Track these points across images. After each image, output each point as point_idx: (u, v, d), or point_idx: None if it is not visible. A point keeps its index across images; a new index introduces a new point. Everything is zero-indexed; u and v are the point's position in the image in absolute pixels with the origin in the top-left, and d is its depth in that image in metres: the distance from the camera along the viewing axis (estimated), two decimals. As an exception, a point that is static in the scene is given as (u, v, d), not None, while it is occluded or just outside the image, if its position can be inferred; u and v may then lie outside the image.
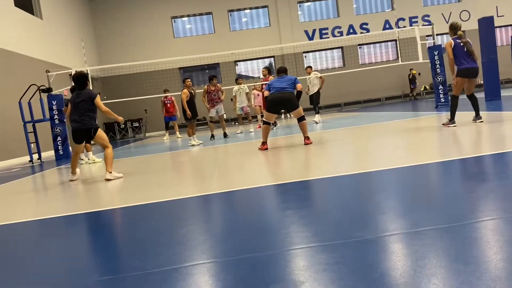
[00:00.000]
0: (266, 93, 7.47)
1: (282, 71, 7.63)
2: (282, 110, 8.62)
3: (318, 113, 12.97)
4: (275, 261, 2.01)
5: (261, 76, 13.18)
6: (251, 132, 12.43)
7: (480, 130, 6.11)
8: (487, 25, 12.55)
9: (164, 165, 7.22)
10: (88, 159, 9.08)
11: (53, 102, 11.56)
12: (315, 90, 12.58)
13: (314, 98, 12.67)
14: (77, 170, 6.35)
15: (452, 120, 6.94)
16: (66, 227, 3.43)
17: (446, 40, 24.69)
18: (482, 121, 6.80)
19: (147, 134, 22.93)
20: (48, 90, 11.70)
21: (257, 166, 5.61)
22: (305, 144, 7.03)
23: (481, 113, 7.06)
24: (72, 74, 12.89)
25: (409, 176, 3.70)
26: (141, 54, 21.92)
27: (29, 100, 11.65)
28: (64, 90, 14.01)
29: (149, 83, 20.44)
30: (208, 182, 4.73)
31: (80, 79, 5.97)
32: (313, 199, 3.36)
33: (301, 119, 7.31)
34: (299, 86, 7.33)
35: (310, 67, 13.15)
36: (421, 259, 1.81)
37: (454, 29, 7.03)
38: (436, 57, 12.56)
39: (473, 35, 21.63)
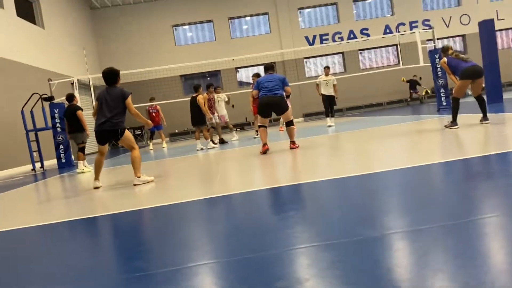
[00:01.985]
0: (255, 92, 7.53)
1: (269, 68, 7.70)
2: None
3: (333, 116, 12.85)
4: (279, 260, 2.00)
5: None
6: (234, 140, 12.33)
7: (482, 131, 6.09)
8: (487, 28, 12.56)
9: (168, 170, 7.20)
10: (77, 168, 9.05)
11: (55, 110, 11.59)
12: (331, 93, 12.53)
13: (331, 103, 12.63)
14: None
15: (454, 122, 6.94)
16: (70, 232, 3.42)
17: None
18: (488, 123, 6.79)
19: (148, 142, 22.97)
20: (50, 98, 11.75)
21: (257, 170, 5.60)
22: (291, 148, 7.12)
23: (488, 114, 7.04)
24: (74, 81, 12.98)
25: (413, 176, 3.68)
26: (142, 62, 22.03)
27: (31, 109, 11.69)
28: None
29: (151, 90, 20.51)
30: (210, 186, 4.72)
31: (110, 74, 5.58)
32: (316, 200, 3.34)
33: (289, 123, 7.40)
34: (288, 89, 7.44)
35: (328, 67, 13.04)
36: (426, 255, 1.79)
37: (446, 51, 7.35)
38: (437, 61, 12.56)
39: (474, 38, 21.69)
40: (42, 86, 13.37)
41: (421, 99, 23.11)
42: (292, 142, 7.26)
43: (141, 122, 5.93)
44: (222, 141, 11.72)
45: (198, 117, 10.63)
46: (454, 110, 7.01)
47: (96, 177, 5.78)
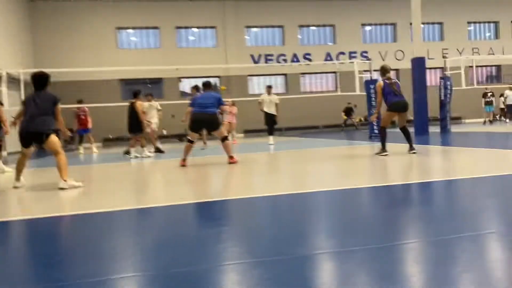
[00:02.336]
0: (189, 109, 7.64)
1: (206, 85, 7.80)
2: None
3: (272, 134, 13.00)
4: (207, 276, 1.95)
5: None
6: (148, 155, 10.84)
7: (408, 160, 6.47)
8: (419, 65, 13.47)
9: (98, 176, 6.89)
10: None
11: (-23, 103, 10.73)
12: (273, 112, 12.57)
13: (272, 121, 12.62)
14: (22, 178, 5.56)
15: (383, 149, 7.31)
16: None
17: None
18: (415, 153, 7.21)
19: (78, 146, 21.89)
20: (-27, 90, 10.88)
21: (192, 182, 5.52)
22: (230, 163, 7.17)
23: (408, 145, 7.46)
24: (2, 74, 12.12)
25: (342, 198, 3.80)
26: (81, 62, 21.09)
27: (-50, 99, 10.73)
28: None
29: (88, 92, 19.60)
30: (141, 196, 4.56)
31: (41, 79, 5.46)
32: (249, 216, 3.34)
33: (223, 139, 7.52)
34: (224, 108, 7.94)
35: (271, 87, 13.07)
36: (353, 276, 1.83)
37: (384, 70, 7.67)
38: (372, 91, 13.22)
39: (406, 74, 23.13)
40: (-35, 75, 12.35)
41: (356, 125, 24.21)
42: (230, 157, 7.28)
43: (59, 127, 5.69)
44: (158, 150, 11.44)
45: (135, 123, 10.32)
46: (382, 138, 7.43)
47: (17, 178, 5.49)
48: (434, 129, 15.31)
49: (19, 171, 5.55)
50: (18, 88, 16.28)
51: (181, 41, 24.06)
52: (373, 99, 13.33)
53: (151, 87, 23.37)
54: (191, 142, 7.55)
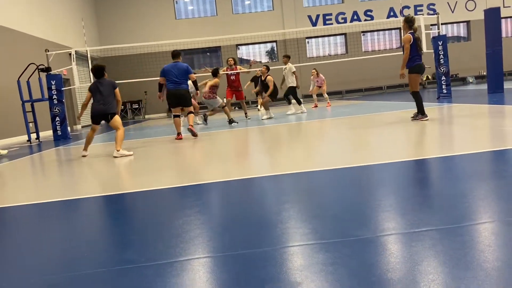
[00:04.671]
0: (162, 79, 8.14)
1: (175, 55, 8.15)
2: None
3: (289, 103, 12.45)
4: (271, 258, 1.97)
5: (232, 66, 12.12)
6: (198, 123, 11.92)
7: (480, 123, 6.04)
8: (493, 16, 12.36)
9: (162, 150, 7.16)
10: None
11: (52, 81, 11.46)
12: (290, 84, 11.94)
13: (290, 92, 12.04)
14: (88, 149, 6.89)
15: (423, 114, 6.94)
16: (56, 213, 3.39)
17: (450, 30, 24.43)
18: (427, 119, 6.87)
19: (146, 116, 22.85)
20: (47, 69, 11.60)
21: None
22: (188, 129, 8.03)
23: (484, 106, 6.99)
24: (72, 53, 12.76)
25: (403, 171, 3.65)
26: (142, 35, 21.71)
27: (28, 79, 11.53)
28: (63, 69, 13.88)
29: (150, 64, 20.26)
30: (205, 171, 4.69)
31: (99, 70, 6.76)
32: (314, 192, 3.32)
33: (189, 113, 8.21)
34: (192, 76, 8.05)
35: (288, 56, 12.26)
36: (421, 262, 1.77)
37: (410, 22, 7.11)
38: (440, 47, 12.41)
39: (478, 25, 21.40)
40: (39, 56, 13.17)
41: (424, 84, 23.07)
42: (191, 125, 8.01)
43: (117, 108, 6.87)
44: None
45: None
46: (419, 102, 7.03)
47: (85, 148, 6.85)
48: (510, 85, 14.19)
49: (87, 142, 6.88)
50: (86, 64, 17.10)
51: (236, 6, 23.86)
52: (441, 56, 12.53)
53: (209, 55, 23.62)
54: (177, 116, 8.21)
